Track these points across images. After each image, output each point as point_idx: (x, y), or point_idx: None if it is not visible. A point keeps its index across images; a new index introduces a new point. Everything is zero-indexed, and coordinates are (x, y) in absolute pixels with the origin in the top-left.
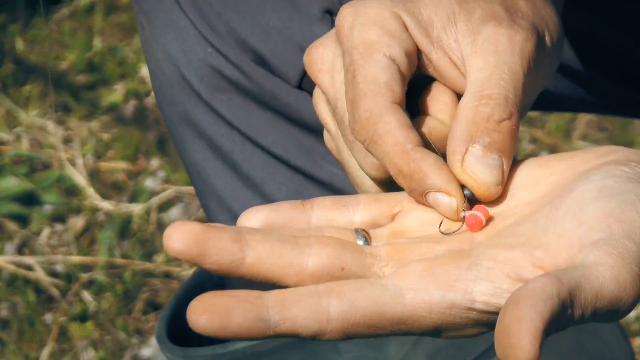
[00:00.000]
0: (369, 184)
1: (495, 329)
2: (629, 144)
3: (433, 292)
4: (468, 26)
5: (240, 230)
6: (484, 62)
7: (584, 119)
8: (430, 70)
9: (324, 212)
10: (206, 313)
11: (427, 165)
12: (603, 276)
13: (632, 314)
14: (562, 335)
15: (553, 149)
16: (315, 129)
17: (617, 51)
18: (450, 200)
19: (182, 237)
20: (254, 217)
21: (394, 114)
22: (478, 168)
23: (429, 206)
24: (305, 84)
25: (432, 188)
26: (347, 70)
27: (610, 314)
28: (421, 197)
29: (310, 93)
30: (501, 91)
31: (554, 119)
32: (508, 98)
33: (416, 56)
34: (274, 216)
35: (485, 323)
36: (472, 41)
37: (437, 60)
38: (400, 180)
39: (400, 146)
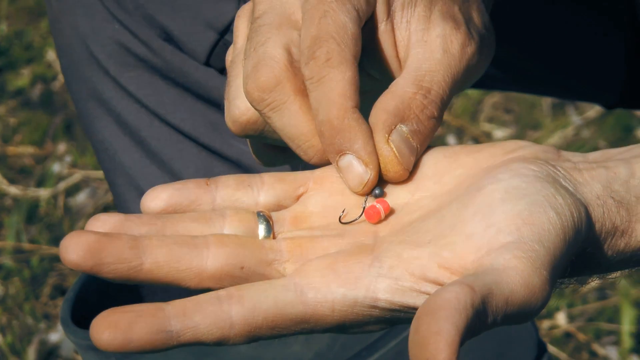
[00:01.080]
0: (241, 102)
1: (410, 340)
2: (534, 125)
3: (335, 290)
4: (426, 13)
5: (136, 236)
6: (431, 56)
7: (490, 101)
8: (365, 35)
9: (229, 191)
10: (108, 330)
11: (360, 130)
12: (513, 281)
13: None
14: None
15: (460, 131)
16: (222, 106)
17: (522, 23)
18: (364, 171)
19: (77, 248)
20: (158, 197)
21: (350, 68)
22: (401, 147)
23: (337, 168)
24: (214, 60)
25: (354, 152)
26: (315, 9)
27: (520, 317)
28: (334, 156)
29: (219, 70)
30: (439, 91)
31: (461, 102)
32: (442, 100)
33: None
34: (178, 196)
35: (388, 320)
36: (425, 29)
37: (381, 32)
38: (324, 130)
39: (344, 99)
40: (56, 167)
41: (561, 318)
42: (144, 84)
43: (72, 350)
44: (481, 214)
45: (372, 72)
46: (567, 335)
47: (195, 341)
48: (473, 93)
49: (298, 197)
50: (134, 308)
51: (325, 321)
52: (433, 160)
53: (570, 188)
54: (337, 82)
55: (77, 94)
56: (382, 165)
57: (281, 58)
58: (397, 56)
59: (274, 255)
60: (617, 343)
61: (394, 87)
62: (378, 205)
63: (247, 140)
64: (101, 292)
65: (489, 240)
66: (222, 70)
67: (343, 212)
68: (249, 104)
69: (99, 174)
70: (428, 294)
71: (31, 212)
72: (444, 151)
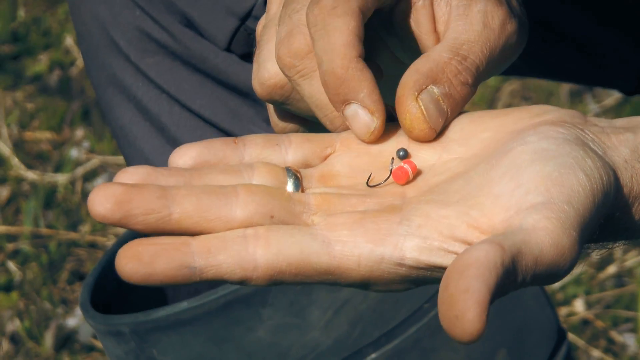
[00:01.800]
0: (271, 66)
1: (439, 299)
2: None
3: (362, 246)
4: None
5: (164, 187)
6: (471, 28)
7: (507, 89)
8: (399, 12)
9: (257, 149)
10: (132, 261)
11: (365, 78)
12: (542, 242)
13: (557, 284)
14: None
15: None
16: (243, 92)
17: (539, 9)
18: (370, 120)
19: (105, 200)
20: (186, 154)
21: (355, 19)
22: (429, 107)
23: (344, 117)
24: (234, 46)
25: (359, 101)
26: None
27: (548, 278)
28: (339, 105)
29: (239, 56)
30: (476, 59)
31: (479, 89)
32: (478, 69)
33: None
34: (206, 153)
35: (413, 279)
36: (466, 5)
37: (419, 7)
38: (328, 80)
39: (347, 48)
40: (74, 153)
41: (579, 305)
42: (164, 70)
43: (89, 335)
44: (509, 175)
45: (402, 54)
46: (585, 322)
47: (217, 279)
48: (491, 80)
49: (325, 158)
50: (160, 240)
51: (350, 275)
52: (459, 125)
53: (598, 151)
54: (341, 32)
55: (96, 80)
56: (408, 123)
57: None
58: (434, 30)
59: (302, 207)
60: (634, 330)
61: (430, 52)
62: (406, 166)
63: (268, 106)
64: (120, 279)
65: (517, 200)
66: (243, 57)
67: (370, 176)
68: (279, 69)
69: (117, 159)
70: (456, 253)
71: (49, 198)
72: (469, 116)
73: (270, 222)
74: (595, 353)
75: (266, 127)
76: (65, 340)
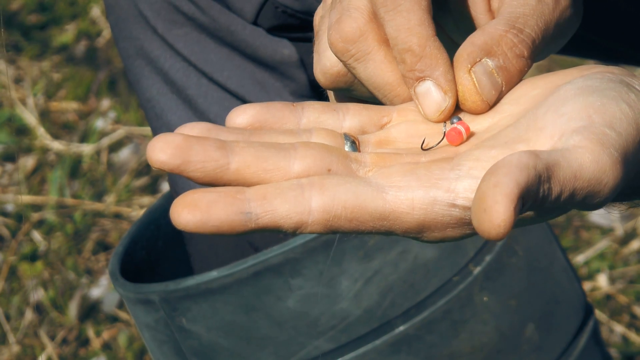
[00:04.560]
0: (329, 57)
1: (473, 199)
2: None
3: (415, 190)
4: None
5: (223, 140)
6: (526, 2)
7: (533, 66)
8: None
9: (315, 114)
10: (187, 208)
11: (442, 57)
12: (582, 157)
13: (581, 258)
14: (515, 274)
15: None
16: (270, 65)
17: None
18: (442, 99)
19: (165, 147)
20: (245, 112)
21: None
22: (482, 79)
23: (414, 95)
24: (261, 19)
25: (434, 78)
26: None
27: (589, 197)
28: (413, 82)
29: (266, 29)
30: (532, 32)
31: None
32: (534, 42)
33: None
34: (265, 113)
35: (468, 222)
36: None
37: None
38: (404, 57)
39: (423, 27)
40: (100, 123)
41: (602, 280)
42: (192, 42)
43: (113, 305)
44: (554, 108)
45: (456, 35)
46: (608, 297)
47: (273, 225)
48: None
49: (382, 126)
50: (216, 189)
51: (405, 220)
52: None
53: None
54: (414, 12)
55: (124, 51)
56: (460, 95)
57: (365, 8)
58: (489, 10)
59: (359, 165)
60: None
61: (486, 26)
62: (459, 127)
63: (329, 92)
64: (148, 249)
65: (560, 127)
66: (270, 30)
67: (424, 140)
68: None
69: (142, 130)
70: None
71: (74, 168)
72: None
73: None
74: (618, 328)
75: (293, 100)
76: (90, 310)
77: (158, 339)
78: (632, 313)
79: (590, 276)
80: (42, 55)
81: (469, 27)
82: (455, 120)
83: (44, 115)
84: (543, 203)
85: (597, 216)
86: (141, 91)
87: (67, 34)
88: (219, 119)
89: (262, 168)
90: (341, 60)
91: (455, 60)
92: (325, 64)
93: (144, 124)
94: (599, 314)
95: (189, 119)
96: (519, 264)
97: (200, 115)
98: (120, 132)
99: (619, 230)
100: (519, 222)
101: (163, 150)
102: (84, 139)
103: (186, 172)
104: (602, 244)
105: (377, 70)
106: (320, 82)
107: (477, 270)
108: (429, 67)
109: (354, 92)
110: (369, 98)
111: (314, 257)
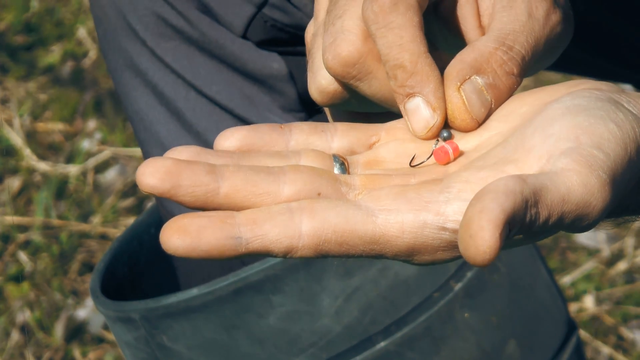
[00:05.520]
0: (325, 76)
1: (459, 226)
2: None
3: (405, 213)
4: None
5: (213, 164)
6: (516, 18)
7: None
8: (443, 8)
9: (303, 136)
10: (177, 233)
11: (433, 74)
12: (570, 181)
13: (568, 279)
14: (496, 291)
15: None
16: (259, 79)
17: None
18: (430, 116)
19: (155, 171)
20: (232, 136)
21: (418, 15)
22: (472, 97)
23: (403, 111)
24: (250, 33)
25: (424, 95)
26: None
27: (578, 220)
28: (403, 98)
29: (256, 43)
30: (522, 49)
31: None
32: (524, 59)
33: None
34: (252, 136)
35: (457, 245)
36: None
37: (464, 2)
38: (396, 72)
39: (415, 44)
40: (86, 144)
41: (589, 301)
42: (181, 55)
43: (99, 326)
44: (541, 128)
45: (446, 51)
46: (595, 318)
47: (263, 250)
48: None
49: (371, 146)
50: (205, 214)
51: (395, 243)
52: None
53: (633, 111)
54: (406, 29)
55: (113, 64)
56: (449, 112)
57: (359, 28)
58: (480, 25)
59: (348, 188)
60: None
61: (476, 42)
62: (447, 146)
63: (325, 108)
64: (131, 265)
65: (548, 148)
66: (259, 44)
67: (414, 157)
68: None
69: (128, 151)
70: None
71: (60, 189)
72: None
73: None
74: (605, 349)
75: (282, 114)
76: (76, 331)
77: (139, 357)
78: (618, 334)
79: (577, 297)
80: (28, 76)
81: (460, 43)
82: (445, 135)
83: (30, 136)
84: (531, 227)
85: (584, 237)
86: (129, 103)
87: (53, 54)
88: (207, 133)
89: (252, 192)
90: (343, 81)
91: (445, 77)
92: (321, 82)
93: (130, 145)
94: (586, 336)
95: (177, 132)
96: (500, 280)
97: (189, 128)
98: (107, 153)
99: (606, 251)
100: (506, 245)
101: (153, 175)
102: (70, 159)
103: (176, 197)
104: (589, 265)
105: (381, 85)
106: (316, 101)
107: (458, 286)
108: (419, 83)
109: (350, 106)
110: (366, 110)
111: (294, 274)
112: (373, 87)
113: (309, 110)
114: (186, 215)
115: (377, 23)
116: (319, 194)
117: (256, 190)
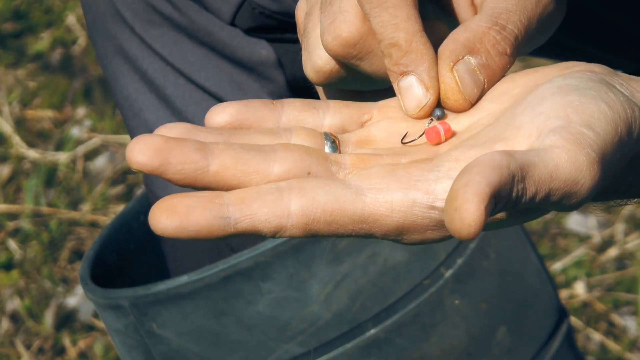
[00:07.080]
0: (324, 53)
1: (445, 200)
2: None
3: (394, 192)
4: None
5: (203, 142)
6: None
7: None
8: None
9: (294, 112)
10: (165, 214)
11: (427, 53)
12: (558, 157)
13: (558, 265)
14: (486, 277)
15: None
16: (247, 66)
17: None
18: (423, 95)
19: (144, 148)
20: (224, 111)
21: None
22: (465, 77)
23: (397, 89)
24: (239, 20)
25: (418, 74)
26: None
27: (566, 197)
28: (397, 76)
29: (244, 30)
30: (514, 29)
31: None
32: (517, 38)
33: None
34: (244, 112)
35: None
36: None
37: None
38: (391, 51)
39: (410, 22)
40: (75, 131)
41: (579, 287)
42: (169, 42)
43: (89, 314)
44: (531, 107)
45: None
46: (585, 304)
47: (252, 229)
48: None
49: (362, 124)
50: (194, 194)
51: (384, 222)
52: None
53: (625, 93)
54: (400, 8)
55: (102, 50)
56: (442, 93)
57: (357, 10)
58: (472, 4)
59: (339, 167)
60: (635, 313)
61: (469, 22)
62: (439, 126)
63: (318, 87)
64: (120, 253)
65: (538, 126)
66: (248, 31)
67: (405, 134)
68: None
69: (118, 138)
70: None
71: (50, 176)
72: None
73: (307, 178)
74: (596, 336)
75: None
76: (66, 319)
77: (128, 344)
78: (609, 321)
79: (568, 284)
80: (17, 63)
81: (452, 21)
82: (438, 113)
83: (20, 124)
84: (517, 203)
85: (575, 223)
86: (119, 89)
87: (42, 42)
88: (196, 119)
89: (241, 171)
90: (343, 61)
91: (438, 57)
92: (317, 62)
93: (120, 132)
94: (577, 322)
95: (167, 118)
96: (490, 267)
97: (178, 114)
98: (96, 140)
99: (596, 237)
100: (494, 224)
101: (142, 152)
102: (59, 147)
103: (165, 174)
104: (580, 252)
105: (383, 62)
106: (312, 80)
107: (448, 273)
108: (414, 62)
109: (347, 84)
110: (362, 88)
111: (283, 261)
112: (374, 65)
113: (297, 96)
114: (175, 196)
115: (371, 2)
116: (308, 173)
117: (246, 169)
